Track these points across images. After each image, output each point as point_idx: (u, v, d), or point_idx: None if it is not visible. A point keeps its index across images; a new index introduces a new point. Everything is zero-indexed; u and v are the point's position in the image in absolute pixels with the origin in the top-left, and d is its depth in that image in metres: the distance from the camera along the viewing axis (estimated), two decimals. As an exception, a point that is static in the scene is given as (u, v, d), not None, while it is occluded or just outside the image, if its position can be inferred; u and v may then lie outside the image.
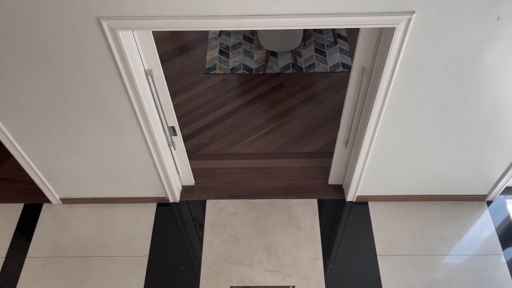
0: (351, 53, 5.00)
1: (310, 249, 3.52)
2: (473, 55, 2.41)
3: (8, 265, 3.49)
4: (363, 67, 2.74)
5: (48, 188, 3.60)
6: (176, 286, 3.37)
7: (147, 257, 3.51)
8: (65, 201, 3.80)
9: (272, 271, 3.41)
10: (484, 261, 3.43)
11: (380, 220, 3.67)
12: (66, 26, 2.24)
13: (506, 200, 3.76)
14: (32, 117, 2.88)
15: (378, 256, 3.47)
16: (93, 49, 2.37)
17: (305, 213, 3.72)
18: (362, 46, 2.62)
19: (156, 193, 3.71)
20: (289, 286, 3.34)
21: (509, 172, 3.36)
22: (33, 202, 3.84)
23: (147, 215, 3.74)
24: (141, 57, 2.61)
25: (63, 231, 3.67)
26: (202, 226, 3.67)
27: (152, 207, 3.79)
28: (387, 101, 2.70)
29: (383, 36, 2.48)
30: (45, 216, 3.76)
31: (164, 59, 5.00)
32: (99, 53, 2.40)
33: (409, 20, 2.18)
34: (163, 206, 3.80)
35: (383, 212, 3.71)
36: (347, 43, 5.11)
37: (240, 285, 3.35)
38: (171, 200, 3.79)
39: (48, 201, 3.81)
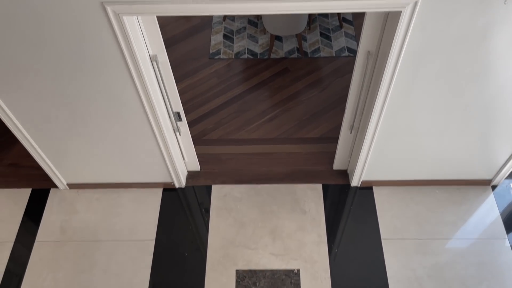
0: (356, 37, 4.96)
1: (315, 233, 3.55)
2: (480, 39, 2.39)
3: (17, 249, 3.55)
4: (368, 51, 2.73)
5: (55, 174, 3.64)
6: (182, 269, 3.42)
7: (154, 242, 3.56)
8: (72, 186, 3.84)
9: (277, 255, 3.46)
10: (488, 245, 3.45)
11: (385, 204, 3.69)
12: (70, 11, 2.23)
13: (511, 184, 3.76)
14: (38, 103, 2.90)
15: (382, 240, 3.50)
16: (98, 34, 2.37)
17: (310, 198, 3.75)
18: (367, 30, 2.60)
19: (162, 178, 3.74)
20: (293, 269, 3.38)
21: (515, 156, 3.36)
22: (40, 187, 3.88)
23: (153, 200, 3.78)
24: (145, 42, 2.61)
25: (71, 216, 3.72)
26: (207, 211, 3.70)
27: (158, 192, 3.83)
28: (392, 85, 2.69)
29: (389, 20, 2.45)
30: (53, 201, 3.81)
31: (169, 44, 4.98)
32: (104, 39, 2.40)
33: (416, 3, 2.16)
34: (169, 191, 3.83)
35: (388, 196, 3.73)
36: (352, 27, 5.06)
37: (246, 268, 3.40)
38: (177, 185, 3.82)
39: (55, 186, 3.85)
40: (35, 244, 3.57)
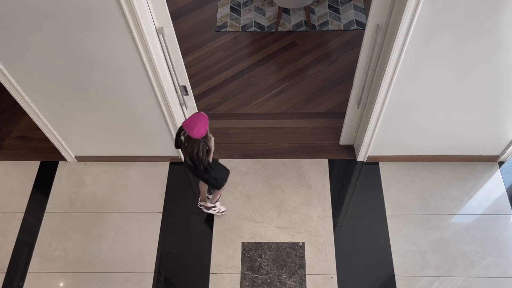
0: (365, 10, 4.86)
1: (320, 208, 3.58)
2: (492, 12, 2.33)
3: (27, 220, 3.63)
4: (378, 24, 2.68)
5: (63, 146, 3.67)
6: (189, 241, 3.48)
7: (161, 214, 3.61)
8: (80, 159, 3.88)
9: (283, 228, 3.50)
10: (493, 220, 3.46)
11: (391, 179, 3.69)
12: (75, -17, 2.21)
13: (519, 161, 3.74)
14: (45, 76, 2.90)
15: (387, 215, 3.52)
16: (104, 7, 2.35)
17: (316, 172, 3.76)
18: (377, 3, 2.54)
19: (169, 152, 3.76)
20: (299, 242, 3.43)
21: (523, 133, 3.33)
22: (49, 160, 3.92)
23: (161, 173, 3.82)
24: (152, 14, 2.58)
25: (79, 188, 3.77)
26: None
27: (165, 166, 3.86)
28: (401, 60, 2.65)
29: (400, -8, 2.40)
30: (61, 174, 3.86)
31: (174, 17, 4.91)
32: (110, 11, 2.37)
33: (428, -25, 2.11)
34: (175, 164, 3.86)
35: (394, 172, 3.73)
36: (362, 0, 4.95)
37: (251, 241, 3.45)
38: (183, 159, 3.84)
39: (63, 159, 3.89)
40: (45, 215, 3.64)
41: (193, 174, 3.06)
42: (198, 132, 2.56)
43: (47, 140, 3.66)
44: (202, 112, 2.66)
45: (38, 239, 3.53)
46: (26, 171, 3.88)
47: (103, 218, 3.61)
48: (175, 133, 3.20)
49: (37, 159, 3.94)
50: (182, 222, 3.58)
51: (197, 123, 2.56)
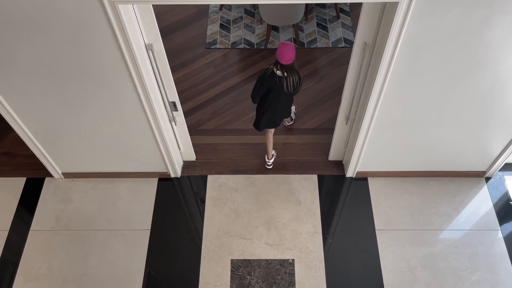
0: (353, 28, 4.94)
1: (310, 224, 3.57)
2: (476, 31, 2.38)
3: (12, 238, 3.55)
4: (365, 42, 2.72)
5: (49, 162, 3.62)
6: (178, 259, 3.43)
7: (149, 231, 3.56)
8: (67, 175, 3.83)
9: (272, 244, 3.47)
10: (481, 236, 3.48)
11: (379, 195, 3.71)
12: (65, -1, 2.21)
13: (505, 176, 3.78)
14: (32, 91, 2.87)
15: (376, 231, 3.52)
16: (93, 22, 2.35)
17: (305, 188, 3.76)
18: (364, 21, 2.59)
19: (158, 168, 3.73)
20: (288, 259, 3.40)
21: (509, 148, 3.38)
22: (35, 176, 3.87)
23: (149, 189, 3.78)
24: (141, 31, 2.59)
25: (66, 205, 3.71)
26: (203, 201, 3.71)
27: (154, 182, 3.83)
28: (388, 77, 2.69)
29: (386, 11, 2.44)
30: (48, 190, 3.80)
31: (165, 33, 4.94)
32: (99, 27, 2.38)
33: (413, -6, 2.15)
34: (164, 181, 3.83)
35: (383, 187, 3.74)
36: (349, 18, 5.04)
37: (241, 258, 3.42)
38: (172, 175, 3.82)
39: (50, 175, 3.84)
40: (30, 233, 3.57)
41: (274, 119, 3.43)
42: (290, 57, 2.98)
43: (33, 156, 3.61)
44: (285, 41, 3.14)
45: (22, 258, 3.45)
46: (12, 188, 3.81)
47: (89, 235, 3.55)
48: (164, 150, 3.21)
49: (23, 176, 3.88)
50: (170, 239, 3.53)
51: (285, 51, 2.96)
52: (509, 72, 2.67)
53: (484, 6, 2.24)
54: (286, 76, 3.08)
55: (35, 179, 3.86)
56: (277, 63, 3.06)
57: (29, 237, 3.55)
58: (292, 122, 4.13)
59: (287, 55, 2.97)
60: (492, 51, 2.52)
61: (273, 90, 3.18)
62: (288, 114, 3.52)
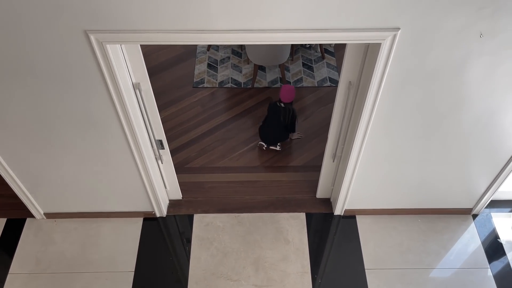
0: (338, 68, 5.06)
1: (299, 264, 3.50)
2: (457, 71, 2.45)
3: (-11, 282, 3.41)
4: (350, 81, 2.77)
5: (31, 203, 3.53)
6: (162, 302, 3.31)
7: (133, 273, 3.45)
8: (49, 215, 3.73)
9: (260, 286, 3.38)
10: (471, 274, 3.45)
11: (368, 233, 3.67)
12: (53, 39, 2.23)
13: (492, 213, 3.80)
14: (16, 130, 2.84)
15: (366, 270, 3.46)
16: (81, 62, 2.36)
17: (293, 227, 3.71)
18: (348, 61, 2.65)
19: (143, 207, 3.66)
20: (277, 301, 3.31)
21: (494, 185, 3.41)
22: (16, 217, 3.76)
23: (133, 230, 3.69)
24: (129, 70, 2.61)
25: (47, 246, 3.60)
26: (189, 241, 3.63)
27: (139, 222, 3.75)
28: (373, 115, 2.73)
29: (370, 52, 2.51)
30: (29, 231, 3.68)
31: (152, 73, 5.00)
32: (87, 66, 2.39)
33: (395, 36, 2.22)
34: (149, 220, 3.76)
35: (371, 225, 3.72)
36: (334, 58, 5.17)
37: (228, 300, 3.31)
38: (157, 215, 3.75)
39: (31, 215, 3.73)
40: (8, 277, 3.43)
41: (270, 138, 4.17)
42: (290, 97, 3.94)
43: (14, 196, 3.52)
44: (287, 85, 4.00)
45: (-1, 303, 3.30)
46: (-9, 229, 3.69)
47: (71, 278, 3.43)
48: (150, 189, 3.15)
49: (3, 216, 3.77)
50: (154, 281, 3.42)
51: (284, 92, 3.93)
52: (491, 110, 2.73)
53: (462, 48, 2.32)
54: (284, 109, 3.97)
55: (16, 219, 3.75)
56: (280, 100, 3.97)
57: (7, 281, 3.41)
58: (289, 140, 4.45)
59: (287, 96, 3.93)
60: (472, 90, 2.59)
61: (271, 116, 4.05)
62: (281, 141, 4.19)
